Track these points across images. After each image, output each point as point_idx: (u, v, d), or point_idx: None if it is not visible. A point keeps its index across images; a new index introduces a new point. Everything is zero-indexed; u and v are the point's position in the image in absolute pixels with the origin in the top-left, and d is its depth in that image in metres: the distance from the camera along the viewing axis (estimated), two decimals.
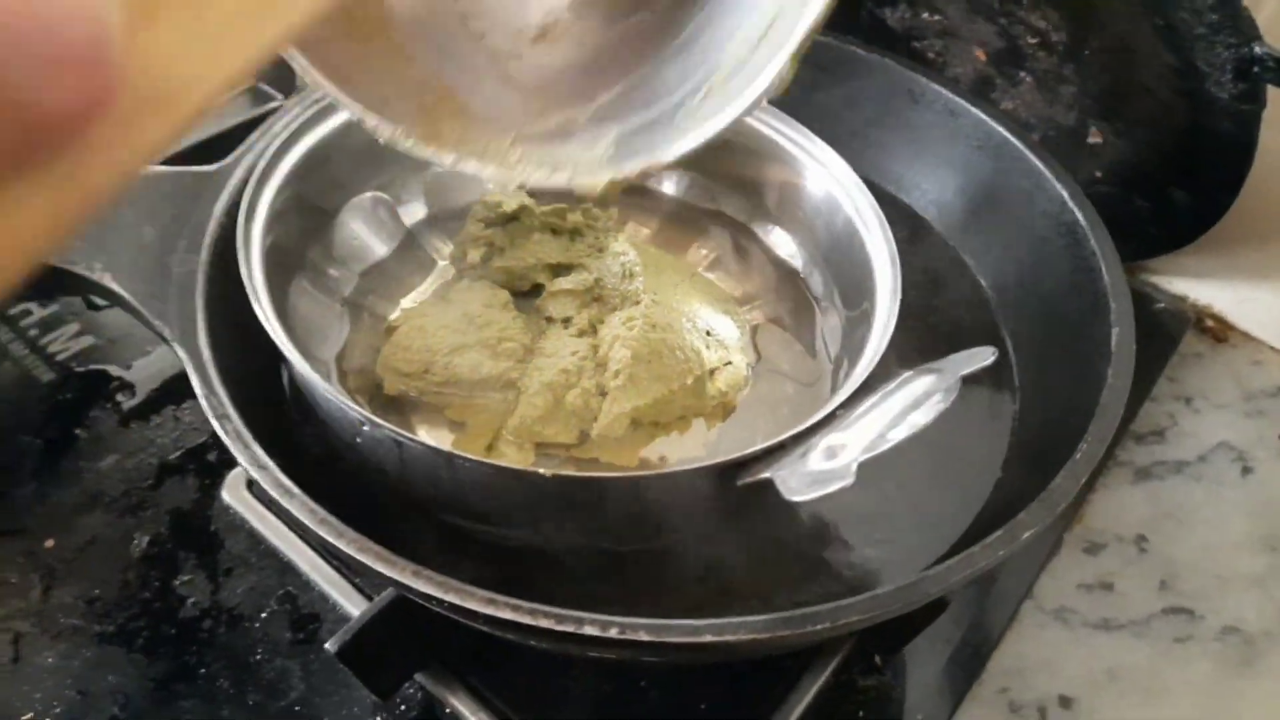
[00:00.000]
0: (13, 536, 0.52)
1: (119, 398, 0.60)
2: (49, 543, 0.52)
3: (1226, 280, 0.70)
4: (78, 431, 0.58)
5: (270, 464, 0.36)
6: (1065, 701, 0.51)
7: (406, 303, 0.53)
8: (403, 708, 0.47)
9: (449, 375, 0.46)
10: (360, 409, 0.37)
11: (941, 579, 0.34)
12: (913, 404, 0.35)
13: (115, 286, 0.42)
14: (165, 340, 0.42)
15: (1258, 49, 0.53)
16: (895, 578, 0.45)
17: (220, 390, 0.38)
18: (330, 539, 0.34)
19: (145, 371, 0.61)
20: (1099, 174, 0.66)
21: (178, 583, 0.52)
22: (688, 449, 0.47)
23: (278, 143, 0.46)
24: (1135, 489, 0.61)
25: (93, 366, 0.61)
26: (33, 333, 0.62)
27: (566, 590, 0.42)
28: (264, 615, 0.50)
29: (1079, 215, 0.51)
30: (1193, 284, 0.71)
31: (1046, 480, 0.40)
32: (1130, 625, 0.55)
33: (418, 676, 0.46)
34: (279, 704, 0.47)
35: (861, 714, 0.48)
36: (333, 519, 0.34)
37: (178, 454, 0.57)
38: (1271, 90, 0.55)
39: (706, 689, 0.48)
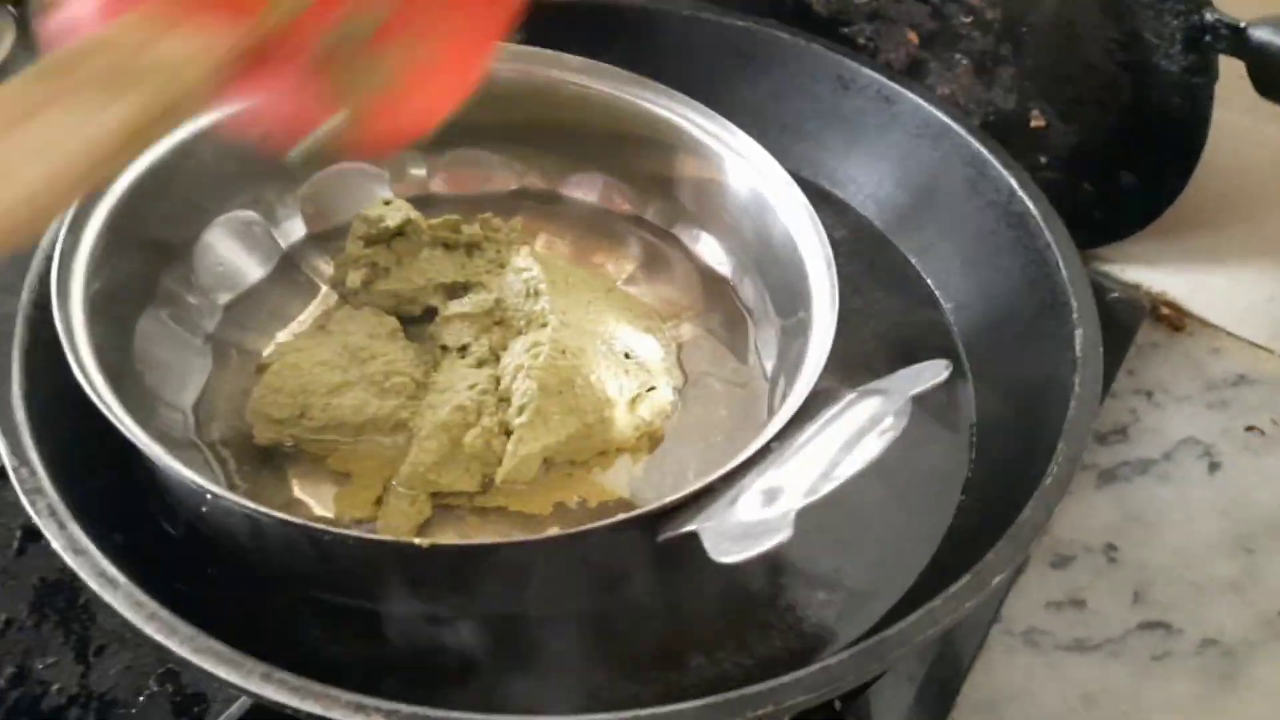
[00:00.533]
0: None
1: None
2: None
3: (1181, 266, 0.67)
4: None
5: (90, 548, 0.30)
6: None
7: (283, 336, 0.46)
8: None
9: (329, 419, 0.41)
10: (197, 476, 0.31)
11: (902, 640, 0.30)
12: (858, 432, 0.30)
13: None
14: None
15: (1209, 16, 0.50)
16: (850, 627, 0.40)
17: (34, 459, 0.32)
18: (160, 640, 0.28)
19: None
20: (1043, 160, 0.63)
21: (41, 666, 0.45)
22: (610, 487, 0.42)
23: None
24: (1101, 493, 0.57)
25: None
26: None
27: (468, 668, 0.36)
28: (141, 699, 0.45)
29: (1029, 204, 0.47)
30: (1146, 271, 0.68)
31: (1012, 504, 0.36)
32: (1105, 645, 0.51)
33: None
34: None
35: None
36: (164, 612, 0.28)
37: None
38: (1224, 62, 0.52)
39: None
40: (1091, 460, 0.58)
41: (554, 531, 0.40)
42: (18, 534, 0.50)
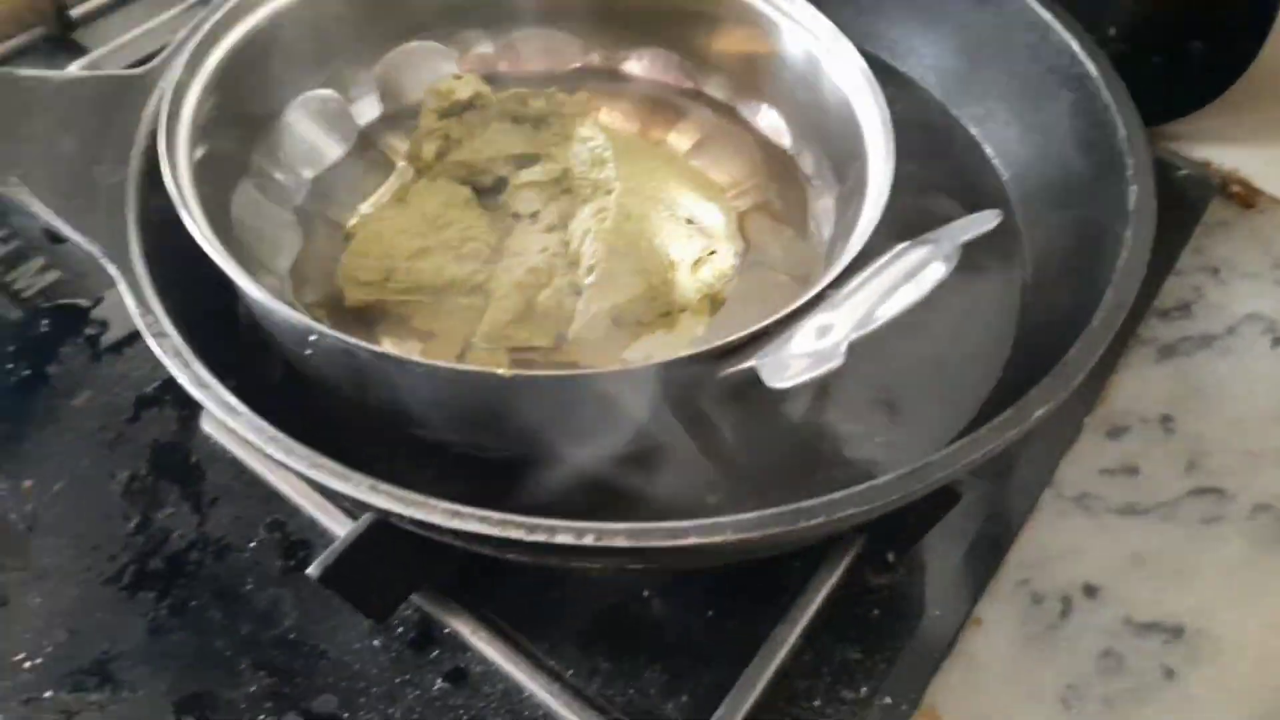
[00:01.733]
0: None
1: (90, 332, 0.57)
2: (27, 483, 0.51)
3: (1252, 142, 0.66)
4: (49, 369, 0.56)
5: (213, 382, 0.33)
6: (1090, 590, 0.49)
7: (364, 208, 0.49)
8: (400, 630, 0.46)
9: (412, 281, 0.43)
10: (305, 318, 0.34)
11: (945, 464, 0.32)
12: (908, 277, 0.31)
13: (34, 202, 0.39)
14: (95, 255, 0.39)
15: None
16: (900, 466, 0.42)
17: (156, 306, 0.35)
18: (279, 457, 0.31)
19: (115, 303, 0.58)
20: (1111, 31, 0.61)
21: (161, 516, 0.50)
22: (674, 347, 0.44)
23: (196, 41, 0.42)
24: (1159, 367, 0.58)
25: (61, 301, 0.59)
26: None
27: (556, 503, 0.40)
28: (252, 544, 0.49)
29: (1090, 67, 0.47)
30: (1216, 148, 0.66)
31: (1061, 353, 0.37)
32: (1157, 509, 0.52)
33: (414, 598, 0.45)
34: (272, 633, 0.46)
35: (875, 613, 0.47)
36: (282, 436, 0.32)
37: (154, 386, 0.55)
38: None
39: (711, 595, 0.46)
40: (1151, 335, 0.59)
41: None
42: (131, 401, 0.54)
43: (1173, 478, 0.54)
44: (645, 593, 0.46)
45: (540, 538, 0.30)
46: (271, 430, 0.32)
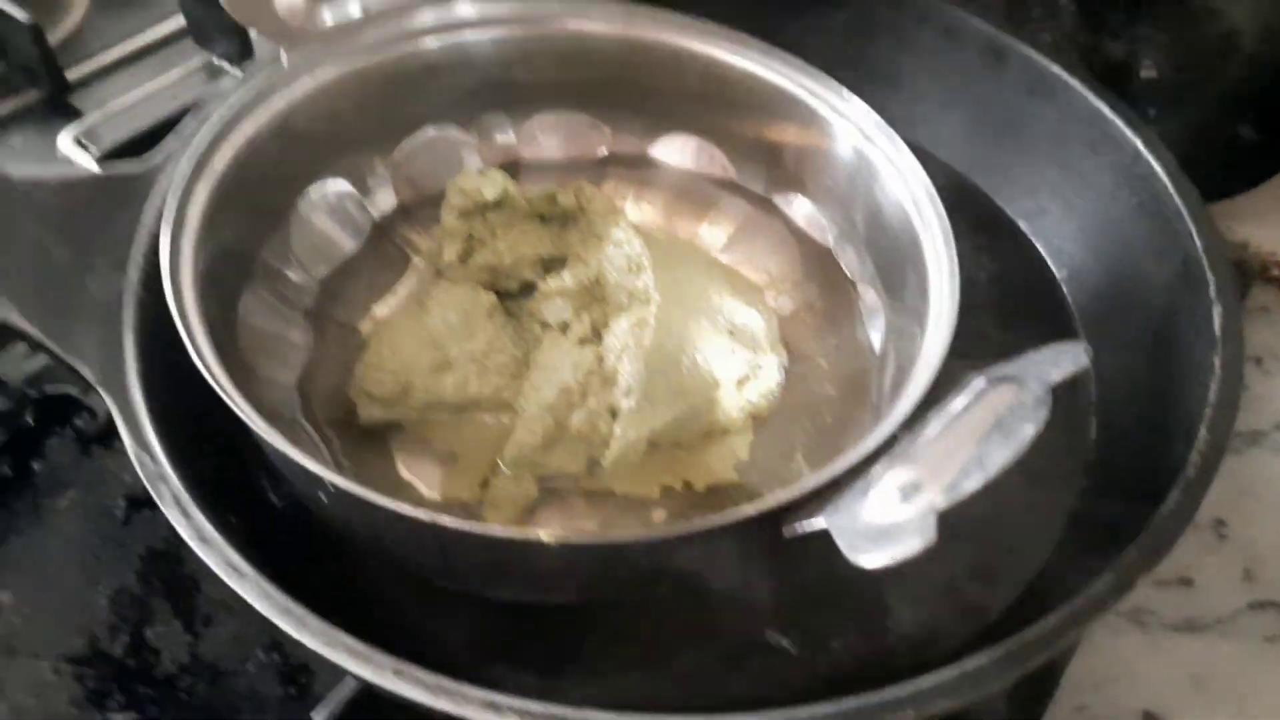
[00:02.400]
0: None
1: (78, 423, 0.54)
2: (4, 596, 0.47)
3: None
4: (34, 465, 0.52)
5: (215, 538, 0.30)
6: (1150, 717, 0.46)
7: (379, 310, 0.46)
8: None
9: (431, 398, 0.40)
10: (319, 466, 0.31)
11: (1044, 642, 0.28)
12: (994, 424, 0.28)
13: (20, 322, 0.36)
14: (87, 380, 0.35)
15: None
16: (972, 617, 0.39)
17: (153, 443, 0.32)
18: (291, 632, 0.28)
19: None
20: (1152, 112, 0.59)
21: (151, 635, 0.46)
22: (715, 470, 0.41)
23: (210, 133, 0.39)
24: None
25: (47, 389, 0.55)
26: None
27: (586, 649, 0.36)
28: (249, 668, 0.45)
29: (1156, 166, 0.44)
30: (1254, 229, 0.64)
31: (1146, 488, 0.34)
32: (1215, 625, 0.49)
33: None
34: None
35: None
36: (294, 606, 0.28)
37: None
38: None
39: None
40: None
41: (661, 514, 0.39)
42: (122, 505, 0.50)
43: (1229, 589, 0.51)
44: None
45: None
46: (283, 600, 0.28)
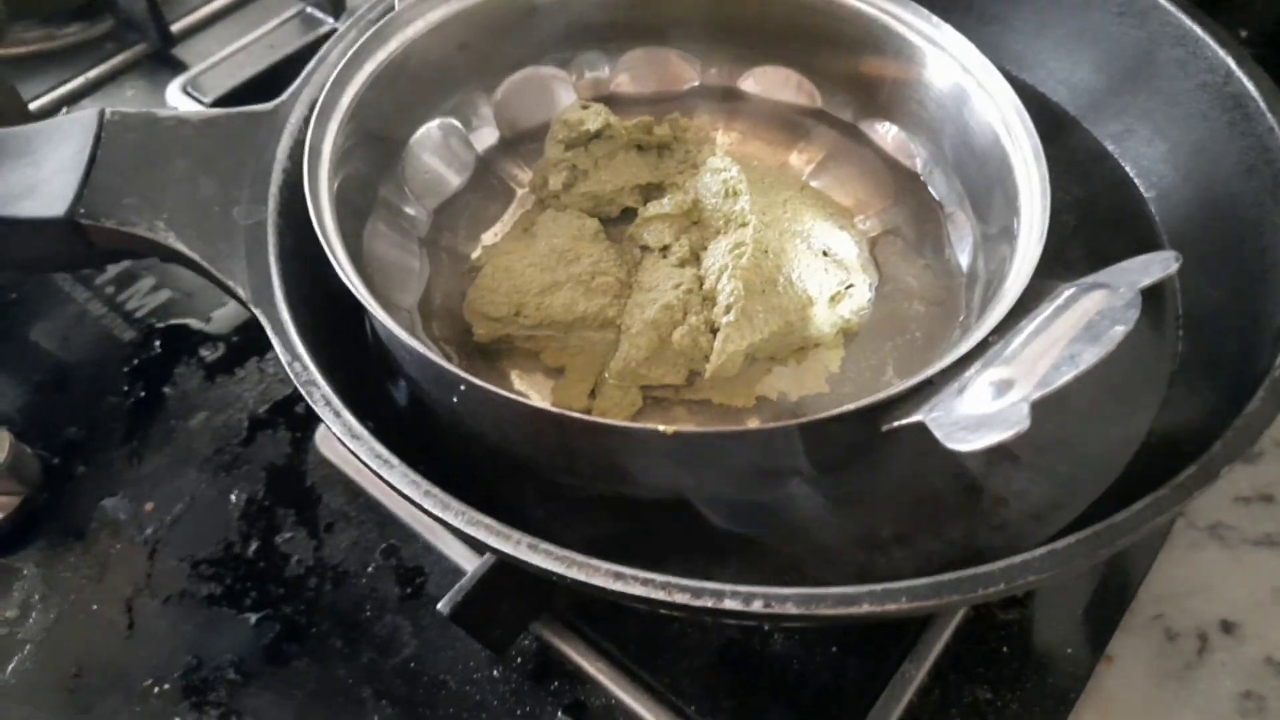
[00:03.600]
0: (113, 500, 0.52)
1: (202, 352, 0.58)
2: (149, 506, 0.52)
3: None
4: (165, 390, 0.56)
5: (364, 433, 0.33)
6: (1227, 626, 0.47)
7: (488, 238, 0.49)
8: (518, 661, 0.45)
9: (542, 317, 0.43)
10: (454, 367, 0.34)
11: (1128, 527, 0.30)
12: (1085, 326, 0.30)
13: (181, 246, 0.39)
14: (240, 301, 0.39)
15: None
16: (1053, 517, 0.40)
17: (304, 354, 0.35)
18: (437, 513, 0.31)
19: (225, 322, 0.59)
20: (1244, 34, 0.58)
21: (280, 541, 0.50)
22: (808, 382, 0.43)
23: (335, 73, 0.42)
24: None
25: (172, 321, 0.60)
26: (109, 290, 0.61)
27: (691, 544, 0.39)
28: (369, 570, 0.49)
29: (1249, 85, 0.44)
30: None
31: (1229, 398, 0.35)
32: None
33: (532, 628, 0.45)
34: (393, 661, 0.46)
35: (1004, 650, 0.45)
36: (437, 490, 0.31)
37: (266, 407, 0.55)
38: None
39: (834, 632, 0.45)
40: None
41: (756, 423, 0.41)
42: (245, 422, 0.55)
43: None
44: (765, 626, 0.45)
45: (706, 603, 0.29)
46: (425, 484, 0.31)
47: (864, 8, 0.47)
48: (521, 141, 0.51)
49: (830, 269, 0.44)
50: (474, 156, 0.51)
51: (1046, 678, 0.44)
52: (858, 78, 0.49)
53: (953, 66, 0.44)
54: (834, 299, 0.44)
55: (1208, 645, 0.47)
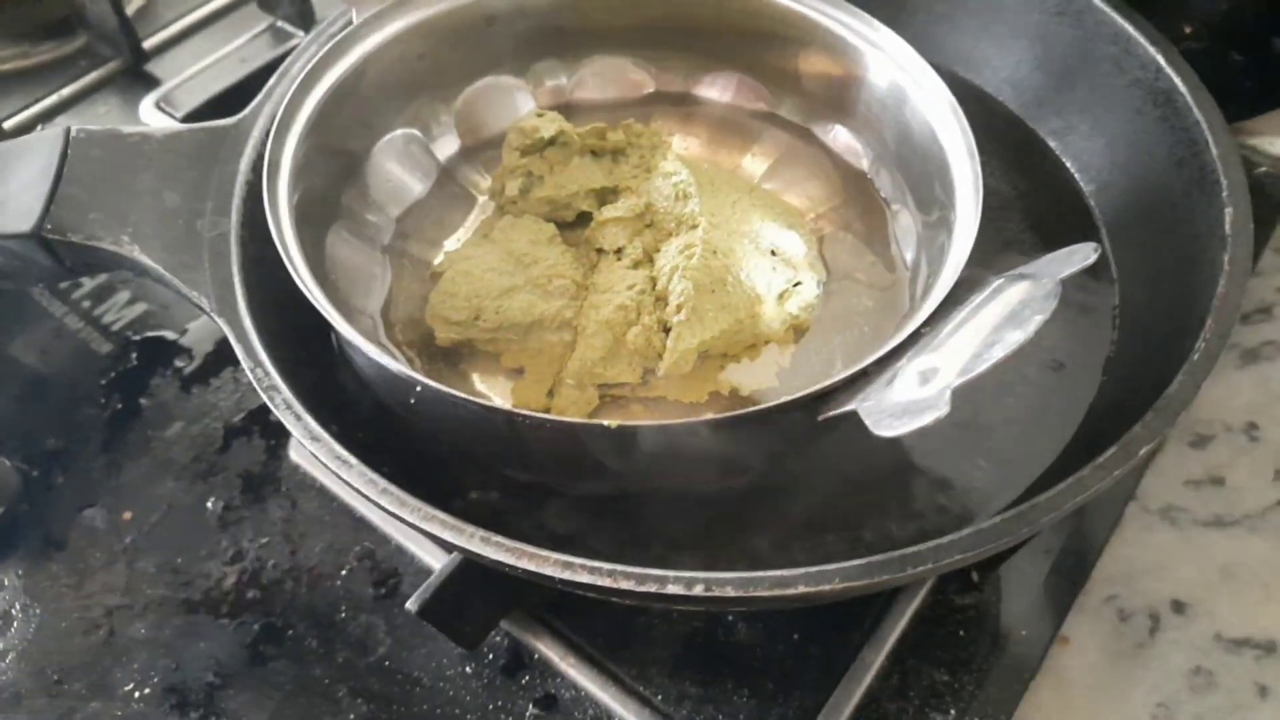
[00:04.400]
0: (91, 510, 0.53)
1: (177, 363, 0.59)
2: (126, 515, 0.53)
3: None
4: (142, 400, 0.57)
5: (324, 435, 0.34)
6: (1178, 606, 0.49)
7: (449, 244, 0.50)
8: (490, 656, 0.47)
9: (501, 320, 0.44)
10: (410, 370, 0.35)
11: (1051, 506, 0.31)
12: (1008, 316, 0.31)
13: (146, 259, 0.40)
14: (204, 311, 0.40)
15: None
16: (993, 499, 0.42)
17: (265, 361, 0.36)
18: (393, 510, 0.32)
19: (200, 334, 0.60)
20: (1188, 29, 0.60)
21: (256, 546, 0.51)
22: (759, 377, 0.44)
23: (294, 87, 0.43)
24: (1242, 373, 0.57)
25: (148, 333, 0.61)
26: (85, 304, 0.62)
27: (646, 535, 0.40)
28: (344, 572, 0.50)
29: (1177, 80, 0.46)
30: None
31: (1157, 381, 0.37)
32: (1244, 520, 0.52)
33: (503, 624, 0.46)
34: (368, 660, 0.47)
35: (961, 634, 0.46)
36: (394, 489, 0.33)
37: (241, 416, 0.56)
38: None
39: (796, 619, 0.46)
40: (1234, 340, 0.57)
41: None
42: (221, 431, 0.56)
43: (1260, 487, 0.53)
44: (730, 617, 0.47)
45: (650, 588, 0.30)
46: (383, 483, 0.33)
47: (808, 13, 0.48)
48: (482, 149, 0.53)
49: (778, 267, 0.45)
50: (435, 164, 0.52)
51: (1003, 659, 0.45)
52: (806, 81, 0.50)
53: (891, 67, 0.46)
54: (782, 296, 0.45)
55: (1159, 624, 0.48)
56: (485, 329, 0.44)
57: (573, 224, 0.49)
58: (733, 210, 0.46)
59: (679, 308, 0.42)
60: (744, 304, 0.43)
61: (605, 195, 0.49)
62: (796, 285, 0.45)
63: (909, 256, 0.47)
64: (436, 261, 0.49)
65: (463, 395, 0.33)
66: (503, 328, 0.44)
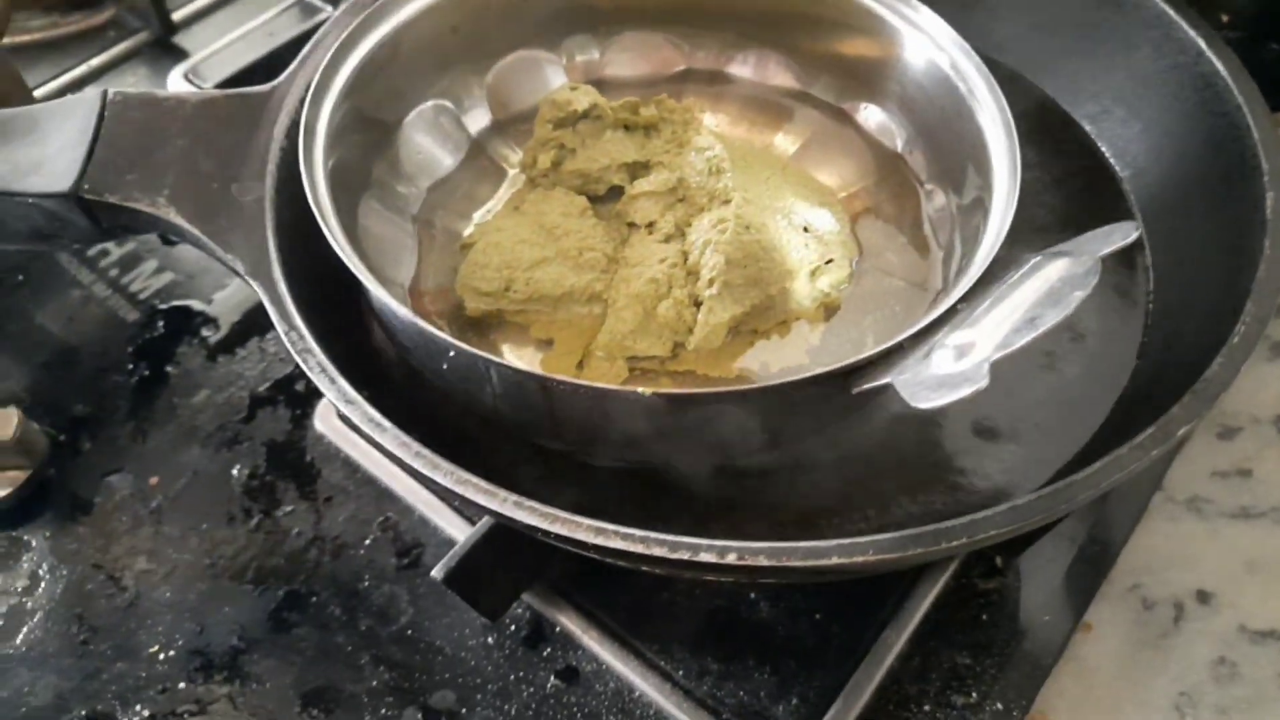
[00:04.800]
0: (118, 475, 0.53)
1: (204, 332, 0.60)
2: (153, 480, 0.53)
3: None
4: (168, 369, 0.58)
5: (358, 399, 0.34)
6: (1203, 596, 0.49)
7: (479, 216, 0.50)
8: (512, 628, 0.47)
9: (531, 292, 0.44)
10: (443, 334, 0.35)
11: (1088, 484, 0.31)
12: (1047, 293, 0.31)
13: (181, 221, 0.40)
14: (239, 274, 0.40)
15: None
16: (1025, 479, 0.42)
17: (300, 324, 0.37)
18: (426, 472, 0.32)
19: (226, 304, 0.61)
20: (1225, 18, 0.59)
21: (280, 514, 0.52)
22: (789, 355, 0.44)
23: (329, 55, 0.43)
24: (1273, 366, 0.56)
25: (175, 303, 0.61)
26: (113, 273, 0.62)
27: (674, 508, 0.40)
28: (367, 542, 0.51)
29: (1218, 64, 0.45)
30: None
31: (1192, 367, 0.36)
32: (1271, 513, 0.51)
33: (525, 596, 0.46)
34: (390, 629, 0.47)
35: (984, 618, 0.46)
36: (427, 452, 0.33)
37: (266, 385, 0.56)
38: None
39: (818, 598, 0.46)
40: (1264, 332, 0.57)
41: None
42: (246, 400, 0.56)
43: None
44: (753, 595, 0.47)
45: (682, 555, 0.30)
46: (416, 446, 0.33)
47: None
48: (513, 123, 0.52)
49: (811, 244, 0.45)
50: (466, 137, 0.52)
51: (1025, 645, 0.45)
52: (841, 60, 0.50)
53: (929, 46, 0.46)
54: (814, 273, 0.45)
55: (1183, 614, 0.48)
56: (515, 300, 0.44)
57: (604, 198, 0.49)
58: (765, 187, 0.46)
59: (710, 282, 0.42)
60: (775, 280, 0.43)
61: (637, 170, 0.49)
62: (829, 263, 0.45)
63: (942, 238, 0.47)
64: (467, 234, 0.49)
65: (496, 359, 0.33)
66: (533, 299, 0.44)
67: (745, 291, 0.42)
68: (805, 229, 0.45)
